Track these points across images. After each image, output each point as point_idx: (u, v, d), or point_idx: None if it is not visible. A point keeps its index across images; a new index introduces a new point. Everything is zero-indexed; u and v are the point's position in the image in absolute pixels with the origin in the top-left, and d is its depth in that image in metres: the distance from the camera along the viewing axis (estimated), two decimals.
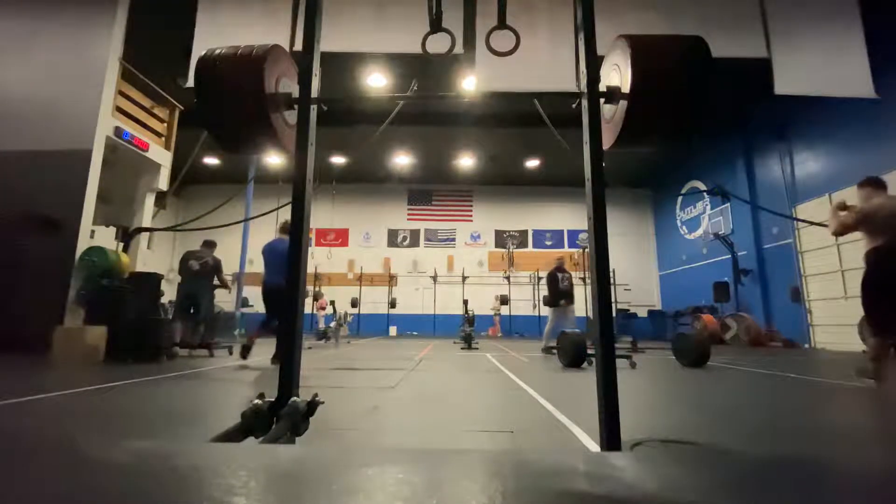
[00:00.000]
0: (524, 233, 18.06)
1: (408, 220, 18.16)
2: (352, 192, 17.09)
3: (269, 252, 5.05)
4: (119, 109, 6.68)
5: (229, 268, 13.16)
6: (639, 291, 16.86)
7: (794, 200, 10.73)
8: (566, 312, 6.76)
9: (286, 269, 1.35)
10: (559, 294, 6.83)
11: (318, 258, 15.29)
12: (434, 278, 17.21)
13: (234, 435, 1.11)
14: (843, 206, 3.56)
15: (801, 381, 3.93)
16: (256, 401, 1.20)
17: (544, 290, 19.30)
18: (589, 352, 4.81)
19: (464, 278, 17.09)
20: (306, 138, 1.39)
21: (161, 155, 7.52)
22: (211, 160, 15.47)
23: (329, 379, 3.69)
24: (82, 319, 5.44)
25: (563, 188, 17.23)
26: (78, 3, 6.62)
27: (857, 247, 5.28)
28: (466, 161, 15.98)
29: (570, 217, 17.74)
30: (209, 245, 6.32)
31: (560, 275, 6.94)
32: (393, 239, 17.97)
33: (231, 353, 5.98)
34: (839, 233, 3.53)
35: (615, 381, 1.15)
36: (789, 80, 4.94)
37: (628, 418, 1.37)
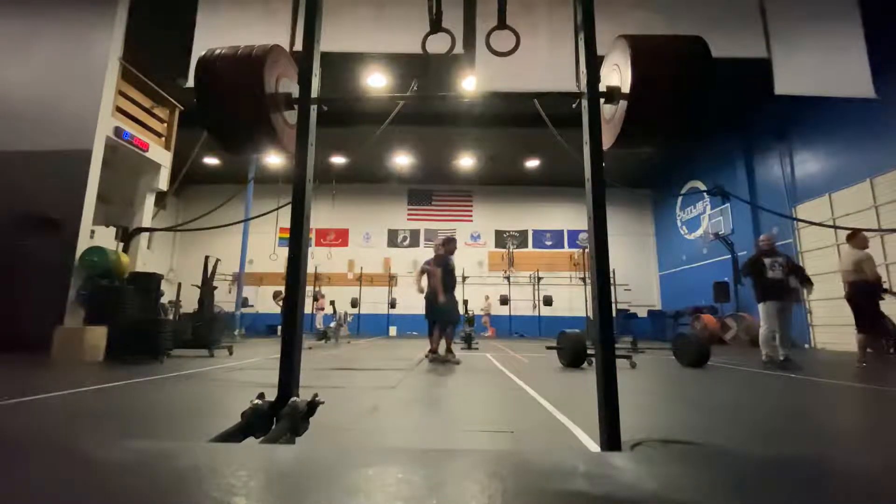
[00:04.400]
0: (524, 233, 18.06)
1: (408, 220, 18.16)
2: (352, 192, 17.08)
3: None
4: (119, 109, 6.69)
5: (229, 268, 13.25)
6: (639, 291, 16.86)
7: (794, 200, 10.72)
8: (782, 310, 5.14)
9: (288, 271, 1.35)
10: (766, 286, 5.26)
11: (318, 258, 15.29)
12: None
13: (234, 435, 1.11)
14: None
15: (801, 381, 3.93)
16: (256, 401, 1.20)
17: (545, 290, 19.03)
18: (589, 352, 4.81)
19: (464, 278, 17.10)
20: (306, 138, 1.39)
21: (161, 155, 7.52)
22: (211, 160, 15.47)
23: (329, 379, 3.69)
24: (82, 319, 5.44)
25: (563, 188, 17.23)
26: (78, 3, 6.62)
27: None
28: (466, 161, 15.98)
29: (570, 217, 17.74)
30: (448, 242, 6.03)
31: (768, 260, 5.33)
32: (393, 239, 17.97)
33: (231, 354, 5.98)
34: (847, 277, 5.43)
35: (615, 382, 1.15)
36: (789, 80, 4.94)
37: (628, 419, 1.37)
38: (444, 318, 5.61)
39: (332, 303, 12.05)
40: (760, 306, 5.30)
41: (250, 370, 4.26)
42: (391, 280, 17.03)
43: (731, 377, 4.26)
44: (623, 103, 1.34)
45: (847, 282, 5.36)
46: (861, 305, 5.21)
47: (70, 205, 5.94)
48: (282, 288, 1.49)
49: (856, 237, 5.39)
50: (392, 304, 15.89)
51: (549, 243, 17.87)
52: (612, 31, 1.70)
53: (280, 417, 1.18)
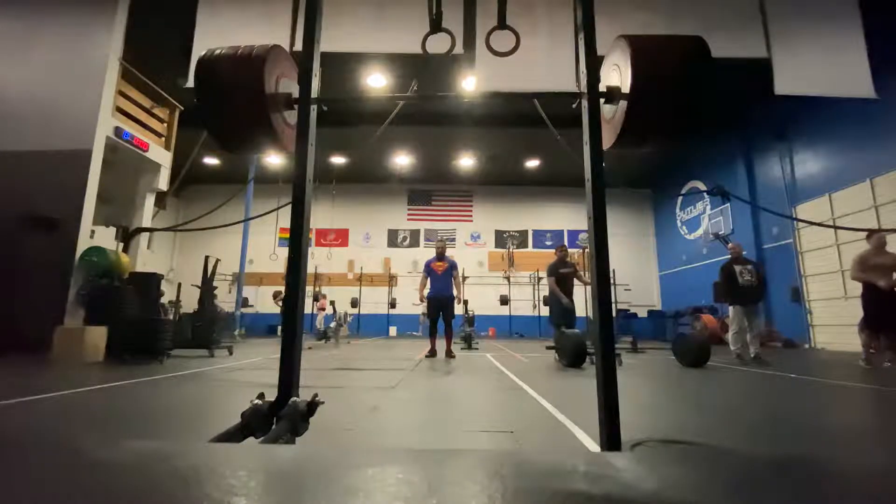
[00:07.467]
0: (524, 233, 18.06)
1: (408, 220, 18.16)
2: (352, 192, 17.08)
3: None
4: (119, 109, 6.69)
5: (229, 268, 13.26)
6: (639, 291, 16.85)
7: (794, 200, 10.72)
8: (749, 313, 5.65)
9: (288, 271, 1.35)
10: (736, 291, 5.70)
11: (318, 258, 15.29)
12: None
13: (234, 435, 1.11)
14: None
15: (802, 381, 3.93)
16: (256, 401, 1.20)
17: (544, 290, 19.23)
18: (589, 352, 4.81)
19: (464, 278, 17.10)
20: (306, 138, 1.39)
21: (161, 155, 7.52)
22: (211, 160, 15.47)
23: (329, 379, 3.69)
24: (82, 319, 5.44)
25: (563, 188, 17.22)
26: (78, 3, 6.62)
27: (857, 247, 5.43)
28: (466, 161, 15.98)
29: (570, 217, 17.74)
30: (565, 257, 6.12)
31: (738, 267, 5.76)
32: (393, 239, 17.98)
33: (231, 354, 5.98)
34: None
35: (615, 381, 1.15)
36: (789, 80, 4.93)
37: (628, 418, 1.37)
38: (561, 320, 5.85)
39: (333, 303, 12.05)
40: (731, 309, 5.81)
41: (250, 370, 4.26)
42: (391, 280, 17.02)
43: (731, 377, 4.26)
44: (623, 103, 1.34)
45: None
46: (864, 305, 5.28)
47: (70, 205, 5.94)
48: (282, 288, 1.50)
49: (869, 238, 5.43)
50: (392, 305, 15.89)
51: (549, 243, 17.86)
52: (612, 31, 1.70)
53: (280, 418, 1.18)
